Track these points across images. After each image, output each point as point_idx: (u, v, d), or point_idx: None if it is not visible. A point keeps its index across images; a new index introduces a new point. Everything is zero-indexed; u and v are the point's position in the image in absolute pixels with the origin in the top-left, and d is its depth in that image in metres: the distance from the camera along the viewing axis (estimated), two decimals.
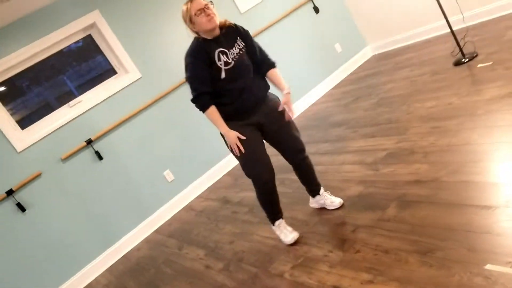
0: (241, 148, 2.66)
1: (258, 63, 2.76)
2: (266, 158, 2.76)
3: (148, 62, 4.76)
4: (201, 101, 2.61)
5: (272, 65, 2.79)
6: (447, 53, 4.50)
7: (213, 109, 2.62)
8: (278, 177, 3.98)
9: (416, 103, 3.82)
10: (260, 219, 3.47)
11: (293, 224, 3.10)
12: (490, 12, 4.71)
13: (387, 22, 5.80)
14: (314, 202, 3.10)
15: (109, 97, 4.55)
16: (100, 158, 4.45)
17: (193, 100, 2.64)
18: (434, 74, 4.21)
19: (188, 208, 4.67)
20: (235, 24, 2.72)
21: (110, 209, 4.48)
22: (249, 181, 4.31)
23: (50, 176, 4.24)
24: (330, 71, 5.90)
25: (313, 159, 3.74)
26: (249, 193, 4.08)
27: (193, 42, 2.62)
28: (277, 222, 2.93)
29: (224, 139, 2.75)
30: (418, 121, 3.49)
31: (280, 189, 3.75)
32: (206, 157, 4.98)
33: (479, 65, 3.81)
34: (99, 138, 4.46)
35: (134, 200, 4.59)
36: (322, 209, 3.07)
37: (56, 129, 4.31)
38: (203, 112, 2.65)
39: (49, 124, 4.32)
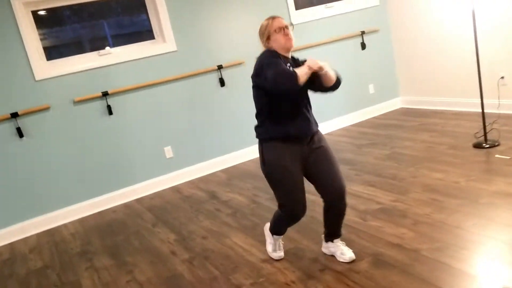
0: (320, 64, 2.42)
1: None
2: (303, 196, 2.59)
3: (188, 39, 4.79)
4: (289, 73, 2.33)
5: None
6: (471, 132, 4.49)
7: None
8: (268, 195, 3.99)
9: (425, 170, 3.82)
10: (240, 225, 3.49)
11: (266, 242, 3.11)
12: None
13: (426, 81, 5.80)
14: (325, 248, 2.83)
15: (139, 59, 4.59)
16: (110, 113, 4.48)
17: (275, 76, 2.32)
18: (451, 148, 4.20)
19: (176, 189, 4.69)
20: (296, 57, 2.67)
21: (101, 163, 4.51)
22: (241, 185, 4.37)
23: (57, 113, 4.28)
24: (356, 108, 5.91)
25: (311, 189, 3.74)
26: (238, 197, 4.09)
27: (266, 51, 2.52)
28: (276, 236, 2.86)
29: (267, 169, 2.56)
30: (421, 188, 3.48)
31: (270, 205, 3.77)
32: (210, 147, 5.00)
33: (497, 155, 3.80)
34: (115, 93, 4.50)
35: (127, 164, 4.62)
36: (299, 236, 3.07)
37: (79, 72, 4.35)
38: (297, 79, 2.31)
39: (75, 64, 4.36)
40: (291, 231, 3.17)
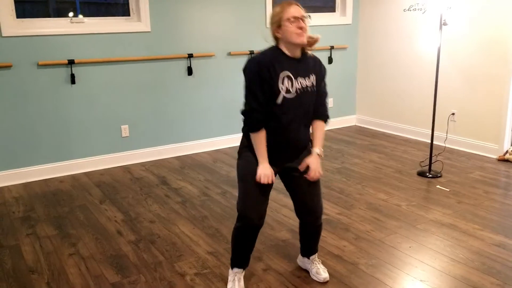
0: (269, 179, 2.31)
1: (315, 108, 2.45)
2: (262, 205, 2.39)
3: (164, 23, 4.77)
4: (252, 119, 2.27)
5: (325, 117, 2.50)
6: (417, 160, 4.77)
7: (262, 134, 2.29)
8: (220, 190, 4.07)
9: (370, 189, 4.03)
10: (189, 215, 3.54)
11: (213, 235, 3.20)
12: (471, 146, 5.03)
13: (381, 104, 6.07)
14: (301, 262, 2.79)
15: (112, 33, 4.53)
16: (73, 82, 4.40)
17: (244, 114, 2.30)
18: (397, 172, 4.44)
19: (126, 169, 4.67)
20: (316, 56, 2.45)
21: (55, 131, 4.42)
22: (194, 175, 4.42)
23: (18, 73, 4.16)
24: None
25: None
26: (189, 186, 4.14)
27: (267, 49, 2.32)
28: (235, 269, 2.51)
29: (239, 163, 2.43)
30: (365, 206, 3.68)
31: (220, 199, 3.84)
32: (167, 132, 5.02)
33: (437, 186, 4.06)
34: (81, 64, 4.42)
35: (80, 135, 4.55)
36: None
37: (48, 35, 4.24)
38: (251, 131, 2.30)
39: (45, 27, 4.25)
40: None
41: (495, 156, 4.81)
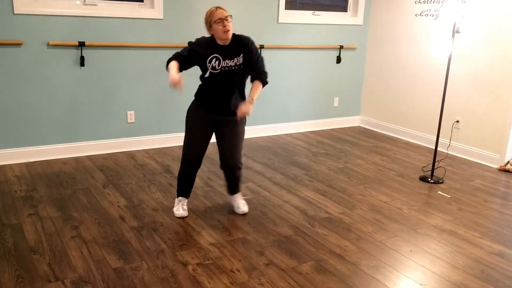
0: (180, 86, 2.90)
1: (253, 71, 3.16)
2: (201, 152, 3.24)
3: (176, 11, 4.76)
4: (175, 55, 3.06)
5: (261, 79, 3.14)
6: (419, 165, 4.79)
7: (173, 64, 2.96)
8: (223, 182, 4.08)
9: (373, 191, 4.04)
10: (191, 205, 3.55)
11: (215, 227, 3.21)
12: (472, 154, 5.06)
13: (386, 107, 6.08)
14: (229, 198, 3.57)
15: (124, 18, 4.52)
16: (82, 64, 4.39)
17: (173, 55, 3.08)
18: (399, 175, 4.46)
19: (130, 155, 4.67)
20: (243, 38, 3.09)
21: (60, 112, 4.42)
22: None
23: (28, 52, 4.15)
24: (317, 116, 6.10)
25: (265, 185, 3.89)
26: None
27: (208, 37, 3.12)
28: (180, 197, 3.39)
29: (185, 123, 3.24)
30: (367, 207, 3.70)
31: (223, 191, 3.86)
32: (172, 121, 5.02)
33: (439, 192, 4.08)
34: (92, 46, 4.40)
35: (86, 118, 4.55)
36: (249, 229, 3.17)
37: (60, 15, 4.22)
38: (170, 60, 3.01)
39: (57, 7, 4.23)
40: (242, 221, 3.29)
41: (496, 166, 4.84)
